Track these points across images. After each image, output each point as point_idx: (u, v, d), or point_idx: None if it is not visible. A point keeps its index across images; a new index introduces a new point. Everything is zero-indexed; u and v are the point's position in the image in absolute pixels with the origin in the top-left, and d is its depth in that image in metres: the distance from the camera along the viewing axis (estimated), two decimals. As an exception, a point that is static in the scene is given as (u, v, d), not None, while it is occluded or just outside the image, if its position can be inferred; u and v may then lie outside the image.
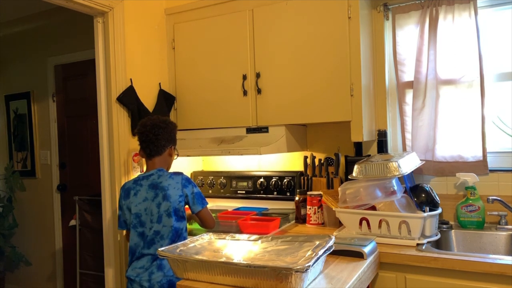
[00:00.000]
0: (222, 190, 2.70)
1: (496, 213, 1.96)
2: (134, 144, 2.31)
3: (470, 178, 2.01)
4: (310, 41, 2.13)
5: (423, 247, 1.68)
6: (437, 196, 1.90)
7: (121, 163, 2.29)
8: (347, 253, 1.58)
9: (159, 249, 1.43)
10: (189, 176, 2.82)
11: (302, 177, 2.42)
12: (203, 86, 2.47)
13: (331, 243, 1.40)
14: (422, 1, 2.14)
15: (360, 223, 1.85)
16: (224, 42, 2.38)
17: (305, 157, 2.40)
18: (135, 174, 2.35)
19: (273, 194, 2.52)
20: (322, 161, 2.35)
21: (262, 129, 2.29)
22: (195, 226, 2.21)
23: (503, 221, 1.95)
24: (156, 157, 1.93)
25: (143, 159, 2.17)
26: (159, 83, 2.53)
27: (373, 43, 2.28)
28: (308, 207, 2.17)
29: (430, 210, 1.80)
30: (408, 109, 2.22)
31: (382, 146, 2.23)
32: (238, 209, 2.49)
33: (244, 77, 2.31)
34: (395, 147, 2.30)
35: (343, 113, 2.06)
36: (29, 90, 3.85)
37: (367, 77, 2.12)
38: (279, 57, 2.22)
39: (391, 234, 1.78)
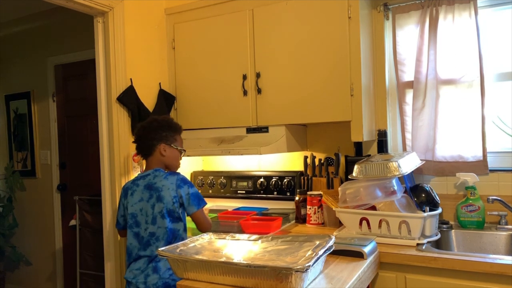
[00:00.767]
0: (222, 190, 2.70)
1: (496, 213, 1.96)
2: (134, 144, 2.31)
3: (470, 178, 2.01)
4: (310, 41, 2.13)
5: (423, 247, 1.68)
6: (437, 196, 1.90)
7: (121, 163, 2.29)
8: (347, 253, 1.58)
9: (159, 249, 1.43)
10: (189, 176, 2.82)
11: (302, 177, 2.42)
12: (203, 86, 2.47)
13: (331, 243, 1.40)
14: (422, 1, 2.14)
15: (360, 223, 1.85)
16: (224, 42, 2.38)
17: (305, 157, 2.40)
18: (135, 174, 2.35)
19: (273, 194, 2.52)
20: (322, 161, 2.35)
21: (262, 129, 2.29)
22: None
23: (503, 221, 1.95)
24: (149, 157, 1.93)
25: (143, 159, 2.20)
26: (159, 83, 2.53)
27: (373, 43, 2.28)
28: (308, 207, 2.17)
29: (430, 210, 1.80)
30: (408, 109, 2.22)
31: (382, 146, 2.23)
32: (238, 209, 2.49)
33: (244, 77, 2.31)
34: (395, 147, 2.30)
35: (343, 113, 2.06)
36: (29, 90, 3.85)
37: (367, 77, 2.12)
38: (279, 57, 2.22)
39: (391, 234, 1.78)
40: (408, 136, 2.21)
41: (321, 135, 2.48)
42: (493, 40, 2.11)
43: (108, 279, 2.32)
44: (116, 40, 2.28)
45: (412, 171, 1.89)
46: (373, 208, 1.91)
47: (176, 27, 2.56)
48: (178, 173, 1.89)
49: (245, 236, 1.61)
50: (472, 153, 2.06)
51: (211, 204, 2.73)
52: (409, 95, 2.21)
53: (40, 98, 3.80)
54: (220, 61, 2.40)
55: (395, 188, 1.81)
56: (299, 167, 2.51)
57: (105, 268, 2.32)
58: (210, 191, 2.74)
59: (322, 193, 2.13)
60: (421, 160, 2.02)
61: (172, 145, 1.93)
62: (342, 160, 2.35)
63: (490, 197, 1.93)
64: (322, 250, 1.32)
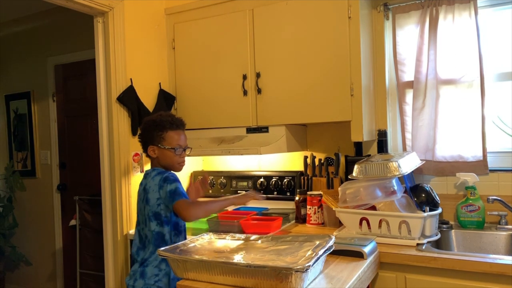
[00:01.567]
0: (222, 190, 2.70)
1: (496, 213, 1.96)
2: (134, 144, 2.31)
3: (470, 178, 2.01)
4: (310, 40, 2.13)
5: (423, 247, 1.68)
6: (437, 196, 1.90)
7: (121, 163, 2.29)
8: (347, 253, 1.58)
9: (159, 249, 1.43)
10: (189, 176, 2.82)
11: (302, 177, 2.42)
12: (203, 86, 2.47)
13: (331, 243, 1.40)
14: (422, 1, 2.14)
15: (360, 223, 1.85)
16: (224, 42, 2.38)
17: (305, 157, 2.40)
18: (135, 174, 2.35)
19: (273, 194, 2.52)
20: (322, 161, 2.35)
21: (262, 129, 2.29)
22: (196, 225, 2.21)
23: (503, 221, 1.95)
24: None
25: (143, 159, 2.25)
26: (159, 83, 2.53)
27: (373, 43, 2.28)
28: (308, 207, 2.17)
29: (430, 210, 1.80)
30: (408, 109, 2.22)
31: (382, 146, 2.23)
32: (238, 209, 2.49)
33: (244, 77, 2.31)
34: (395, 147, 2.30)
35: (343, 113, 2.06)
36: (29, 90, 3.84)
37: (367, 77, 2.12)
38: (279, 57, 2.22)
39: (391, 234, 1.78)
40: (408, 136, 2.21)
41: (321, 135, 2.48)
42: (493, 40, 2.11)
43: (108, 279, 2.32)
44: (116, 40, 2.28)
45: (412, 171, 1.89)
46: (373, 208, 1.91)
47: (176, 27, 2.56)
48: (165, 172, 1.78)
49: (245, 236, 1.61)
50: (472, 153, 2.06)
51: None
52: (409, 95, 2.21)
53: (40, 98, 3.80)
54: (220, 61, 2.40)
55: (395, 188, 1.81)
56: (299, 167, 2.51)
57: (105, 268, 2.32)
58: (210, 191, 2.74)
59: (322, 193, 2.13)
60: (421, 160, 2.02)
61: (159, 145, 1.80)
62: (342, 160, 2.35)
63: (490, 197, 1.93)
64: (322, 250, 1.32)
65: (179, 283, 1.38)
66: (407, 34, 2.22)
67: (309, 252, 1.33)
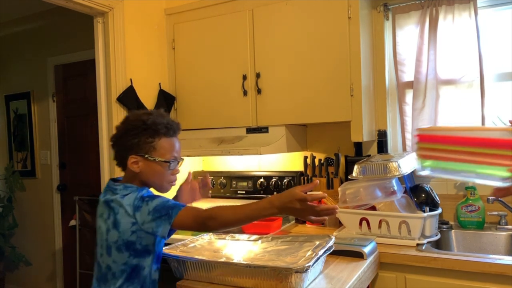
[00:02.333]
0: (222, 190, 2.70)
1: (496, 213, 1.96)
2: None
3: (470, 178, 2.01)
4: (310, 41, 2.13)
5: (423, 247, 1.68)
6: (437, 196, 1.90)
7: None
8: (347, 253, 1.58)
9: (159, 249, 1.41)
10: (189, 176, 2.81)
11: (302, 177, 2.42)
12: (203, 86, 2.47)
13: (331, 243, 1.40)
14: (422, 1, 2.14)
15: (360, 223, 1.85)
16: (224, 42, 2.38)
17: (305, 157, 2.40)
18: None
19: (273, 194, 2.51)
20: (322, 161, 2.35)
21: (262, 129, 2.29)
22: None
23: (503, 221, 1.95)
24: (124, 171, 1.39)
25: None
26: (159, 83, 2.53)
27: (373, 43, 2.28)
28: (308, 207, 2.17)
29: (430, 210, 1.80)
30: (408, 109, 2.22)
31: (382, 146, 2.23)
32: (238, 209, 2.49)
33: (244, 77, 2.31)
34: (395, 147, 2.30)
35: (343, 113, 2.06)
36: (29, 90, 3.84)
37: (367, 77, 2.12)
38: (279, 57, 2.22)
39: (391, 234, 1.78)
40: (408, 136, 2.21)
41: (321, 135, 2.48)
42: (493, 40, 2.11)
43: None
44: (116, 40, 2.28)
45: (412, 171, 1.89)
46: (373, 208, 1.91)
47: (176, 27, 2.56)
48: (141, 189, 1.32)
49: (245, 236, 1.62)
50: (472, 153, 2.06)
51: (211, 204, 2.71)
52: (409, 95, 2.21)
53: (40, 98, 3.80)
54: (220, 61, 2.40)
55: (395, 188, 1.81)
56: (299, 167, 2.51)
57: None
58: (210, 191, 2.73)
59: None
60: (421, 160, 2.01)
61: (147, 156, 1.33)
62: (342, 160, 2.35)
63: (490, 198, 1.93)
64: (322, 250, 1.33)
65: (179, 283, 1.38)
66: (407, 34, 2.22)
67: (309, 253, 1.33)
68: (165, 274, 1.60)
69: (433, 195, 1.89)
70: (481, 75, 2.01)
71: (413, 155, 1.98)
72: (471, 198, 2.00)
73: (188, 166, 2.81)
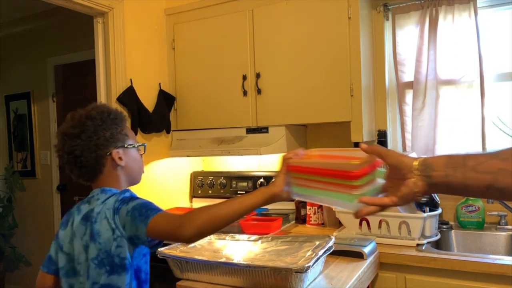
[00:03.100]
0: (222, 190, 2.70)
1: (496, 213, 1.96)
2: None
3: (470, 178, 2.00)
4: (310, 41, 2.13)
5: (423, 247, 1.68)
6: (437, 196, 1.90)
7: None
8: (347, 253, 1.58)
9: (159, 249, 1.43)
10: (189, 176, 2.81)
11: (302, 177, 2.42)
12: (203, 87, 2.46)
13: (331, 243, 1.40)
14: (422, 1, 2.14)
15: (360, 223, 1.85)
16: (224, 42, 2.38)
17: (305, 157, 2.40)
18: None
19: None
20: (322, 161, 2.35)
21: (262, 129, 2.29)
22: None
23: (503, 221, 1.95)
24: (96, 179, 1.23)
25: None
26: (159, 83, 2.53)
27: (373, 43, 2.28)
28: (308, 207, 2.17)
29: (430, 211, 1.80)
30: (408, 109, 2.22)
31: (382, 146, 2.23)
32: (238, 209, 2.48)
33: (244, 77, 2.31)
34: (395, 147, 2.30)
35: (343, 113, 2.06)
36: (29, 90, 3.85)
37: (367, 77, 2.12)
38: (279, 57, 2.22)
39: (391, 234, 1.78)
40: (408, 136, 2.21)
41: (321, 135, 2.48)
42: (493, 40, 2.11)
43: None
44: (116, 40, 2.28)
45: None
46: (373, 208, 1.90)
47: (176, 28, 2.56)
48: (117, 193, 1.19)
49: (245, 236, 1.62)
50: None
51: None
52: (409, 95, 2.21)
53: (40, 99, 3.80)
54: (220, 61, 2.40)
55: (395, 188, 1.80)
56: (299, 167, 2.51)
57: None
58: (210, 191, 2.74)
59: (322, 193, 2.13)
60: (421, 160, 2.01)
61: (126, 144, 1.25)
62: (342, 160, 2.34)
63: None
64: (322, 251, 1.33)
65: (179, 283, 1.38)
66: (407, 35, 2.22)
67: (309, 253, 1.33)
68: (165, 274, 1.60)
69: (433, 195, 1.89)
70: (481, 75, 2.01)
71: (413, 155, 1.98)
72: (471, 198, 2.00)
73: (188, 166, 2.82)
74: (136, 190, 1.24)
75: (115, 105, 2.27)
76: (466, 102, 2.06)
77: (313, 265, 1.23)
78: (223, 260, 1.33)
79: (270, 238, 1.57)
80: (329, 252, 1.38)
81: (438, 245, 1.86)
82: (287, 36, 2.19)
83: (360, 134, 2.03)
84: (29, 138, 3.85)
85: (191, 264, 1.36)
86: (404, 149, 2.22)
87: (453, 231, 2.01)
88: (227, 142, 2.32)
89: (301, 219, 2.23)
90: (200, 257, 1.36)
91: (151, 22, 2.52)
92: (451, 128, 2.10)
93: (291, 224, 2.24)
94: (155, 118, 2.41)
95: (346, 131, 2.11)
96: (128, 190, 1.21)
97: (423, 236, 1.76)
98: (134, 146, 1.27)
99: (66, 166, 1.24)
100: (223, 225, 1.08)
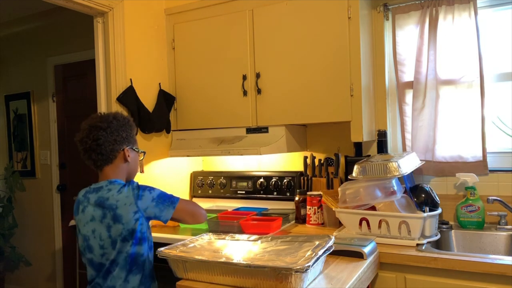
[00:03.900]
0: (222, 190, 2.70)
1: (496, 213, 1.96)
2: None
3: (470, 178, 2.01)
4: (310, 41, 2.13)
5: (423, 247, 1.68)
6: (437, 196, 1.90)
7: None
8: (347, 253, 1.58)
9: (159, 249, 1.43)
10: (189, 176, 2.82)
11: (302, 177, 2.42)
12: (203, 86, 2.47)
13: (331, 243, 1.40)
14: (422, 1, 2.14)
15: (360, 223, 1.85)
16: (224, 42, 2.38)
17: (305, 157, 2.40)
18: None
19: (273, 194, 2.52)
20: (322, 161, 2.35)
21: (262, 129, 2.29)
22: (196, 226, 2.21)
23: (503, 221, 1.95)
24: (106, 166, 1.55)
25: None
26: (159, 83, 2.53)
27: (373, 43, 2.28)
28: (308, 207, 2.17)
29: (430, 210, 1.80)
30: (408, 109, 2.22)
31: (382, 146, 2.23)
32: (238, 209, 2.49)
33: (244, 77, 2.31)
34: (395, 147, 2.30)
35: (343, 113, 2.06)
36: (29, 90, 3.85)
37: (367, 77, 2.12)
38: (279, 57, 2.22)
39: (391, 234, 1.78)
40: (408, 136, 2.21)
41: (321, 135, 2.48)
42: (493, 40, 2.11)
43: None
44: (116, 40, 2.28)
45: (412, 171, 1.89)
46: (373, 208, 1.91)
47: (176, 27, 2.56)
48: (132, 182, 1.53)
49: (244, 236, 1.62)
50: (472, 153, 2.06)
51: (211, 204, 2.73)
52: (409, 96, 2.21)
53: (40, 98, 3.80)
54: (220, 61, 2.40)
55: (395, 188, 1.81)
56: (299, 167, 2.51)
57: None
58: (210, 191, 2.74)
59: (322, 193, 2.13)
60: (421, 160, 2.02)
61: (134, 147, 1.61)
62: (342, 160, 2.35)
63: (490, 198, 1.93)
64: (322, 251, 1.33)
65: (179, 283, 1.38)
66: (407, 35, 2.22)
67: (309, 253, 1.33)
68: (165, 274, 1.60)
69: (433, 195, 1.89)
70: (481, 75, 2.01)
71: (413, 155, 1.98)
72: (471, 198, 2.00)
73: (188, 166, 2.82)
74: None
75: (115, 105, 2.28)
76: (466, 102, 2.06)
77: (313, 265, 1.23)
78: (223, 260, 1.33)
79: (270, 238, 1.57)
80: (329, 252, 1.38)
81: (438, 245, 1.86)
82: (287, 36, 2.19)
83: (360, 134, 2.03)
84: (29, 138, 3.85)
85: (191, 264, 1.36)
86: (404, 149, 2.23)
87: (453, 231, 2.01)
88: (227, 142, 2.32)
89: (301, 219, 2.23)
90: (200, 257, 1.36)
91: (151, 22, 2.52)
92: (451, 128, 2.10)
93: (291, 224, 2.24)
94: (155, 118, 2.41)
95: (346, 131, 2.11)
96: (134, 181, 1.52)
97: (423, 236, 1.76)
98: (138, 150, 1.63)
99: (85, 152, 1.53)
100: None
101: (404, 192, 1.93)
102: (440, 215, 1.91)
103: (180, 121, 2.56)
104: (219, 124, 2.42)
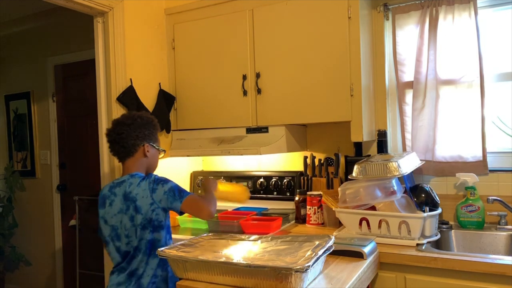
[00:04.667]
0: (222, 190, 2.69)
1: (496, 213, 1.96)
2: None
3: (470, 178, 2.01)
4: (310, 41, 2.13)
5: (423, 247, 1.68)
6: (437, 196, 1.90)
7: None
8: (347, 253, 1.58)
9: (159, 249, 1.43)
10: (189, 176, 2.82)
11: (302, 177, 2.42)
12: (203, 86, 2.47)
13: (331, 243, 1.40)
14: (422, 1, 2.14)
15: (360, 223, 1.85)
16: (224, 42, 2.38)
17: (305, 157, 2.40)
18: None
19: (273, 194, 2.52)
20: (322, 161, 2.35)
21: (262, 129, 2.29)
22: (196, 225, 2.21)
23: (503, 221, 1.95)
24: (128, 159, 1.74)
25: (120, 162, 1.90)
26: (159, 83, 2.53)
27: (373, 43, 2.28)
28: (308, 207, 2.17)
29: (430, 210, 1.80)
30: (408, 109, 2.22)
31: (382, 146, 2.23)
32: (238, 209, 2.49)
33: (244, 77, 2.31)
34: (395, 147, 2.30)
35: (343, 113, 2.06)
36: (29, 90, 3.84)
37: (367, 77, 2.12)
38: (279, 57, 2.22)
39: (391, 234, 1.78)
40: (408, 136, 2.21)
41: (321, 135, 2.48)
42: (493, 40, 2.11)
43: (108, 279, 2.32)
44: (116, 40, 2.28)
45: (412, 171, 1.89)
46: (373, 208, 1.91)
47: (176, 27, 2.56)
48: (151, 175, 1.70)
49: (244, 236, 1.62)
50: (472, 153, 2.06)
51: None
52: (409, 95, 2.21)
53: (40, 98, 3.80)
54: (220, 61, 2.40)
55: (395, 188, 1.81)
56: (299, 167, 2.51)
57: (105, 268, 2.32)
58: (210, 191, 2.74)
59: (322, 193, 2.13)
60: (421, 160, 2.02)
61: (154, 145, 1.79)
62: (342, 160, 2.35)
63: (490, 198, 1.93)
64: (322, 250, 1.32)
65: (179, 283, 1.38)
66: (407, 34, 2.22)
67: (309, 252, 1.33)
68: (165, 274, 1.61)
69: (433, 195, 1.89)
70: (481, 75, 2.01)
71: (413, 155, 1.98)
72: (471, 198, 2.00)
73: (188, 166, 2.82)
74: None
75: (115, 105, 2.28)
76: (466, 102, 2.06)
77: (313, 265, 1.23)
78: (223, 260, 1.33)
79: (270, 238, 1.57)
80: (329, 252, 1.38)
81: (438, 245, 1.86)
82: (287, 36, 2.19)
83: (360, 134, 2.03)
84: (29, 138, 3.85)
85: (191, 263, 1.36)
86: (404, 149, 2.23)
87: (453, 231, 2.01)
88: (227, 142, 2.32)
89: (301, 219, 2.23)
90: (200, 257, 1.36)
91: (151, 22, 2.52)
92: (451, 128, 2.10)
93: (291, 224, 2.24)
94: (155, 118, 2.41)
95: (346, 131, 2.11)
96: (152, 174, 1.70)
97: (423, 236, 1.76)
98: (158, 148, 1.82)
99: (110, 143, 1.75)
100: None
101: (404, 192, 1.93)
102: (440, 215, 1.91)
103: (180, 121, 2.56)
104: (219, 124, 2.42)
